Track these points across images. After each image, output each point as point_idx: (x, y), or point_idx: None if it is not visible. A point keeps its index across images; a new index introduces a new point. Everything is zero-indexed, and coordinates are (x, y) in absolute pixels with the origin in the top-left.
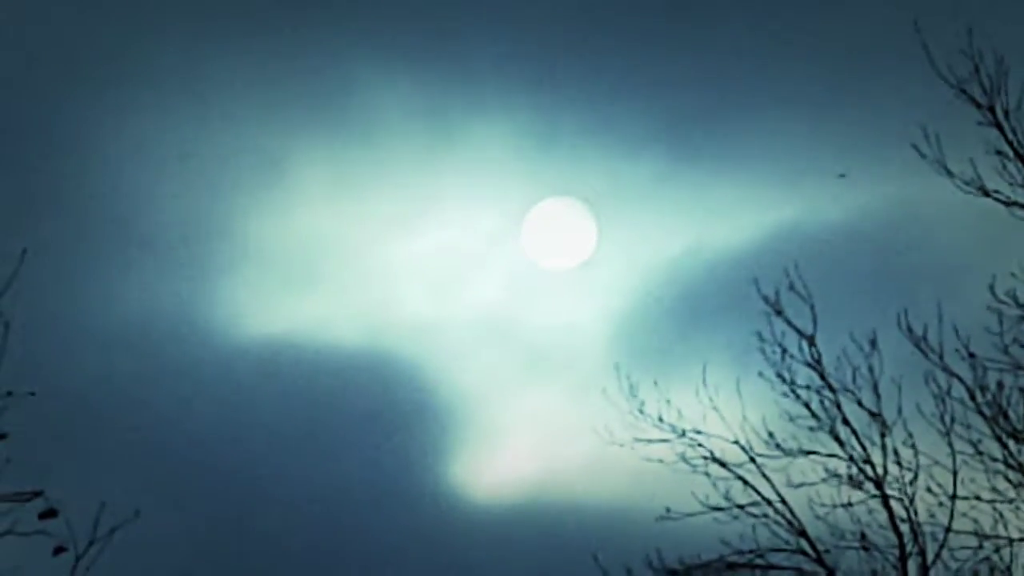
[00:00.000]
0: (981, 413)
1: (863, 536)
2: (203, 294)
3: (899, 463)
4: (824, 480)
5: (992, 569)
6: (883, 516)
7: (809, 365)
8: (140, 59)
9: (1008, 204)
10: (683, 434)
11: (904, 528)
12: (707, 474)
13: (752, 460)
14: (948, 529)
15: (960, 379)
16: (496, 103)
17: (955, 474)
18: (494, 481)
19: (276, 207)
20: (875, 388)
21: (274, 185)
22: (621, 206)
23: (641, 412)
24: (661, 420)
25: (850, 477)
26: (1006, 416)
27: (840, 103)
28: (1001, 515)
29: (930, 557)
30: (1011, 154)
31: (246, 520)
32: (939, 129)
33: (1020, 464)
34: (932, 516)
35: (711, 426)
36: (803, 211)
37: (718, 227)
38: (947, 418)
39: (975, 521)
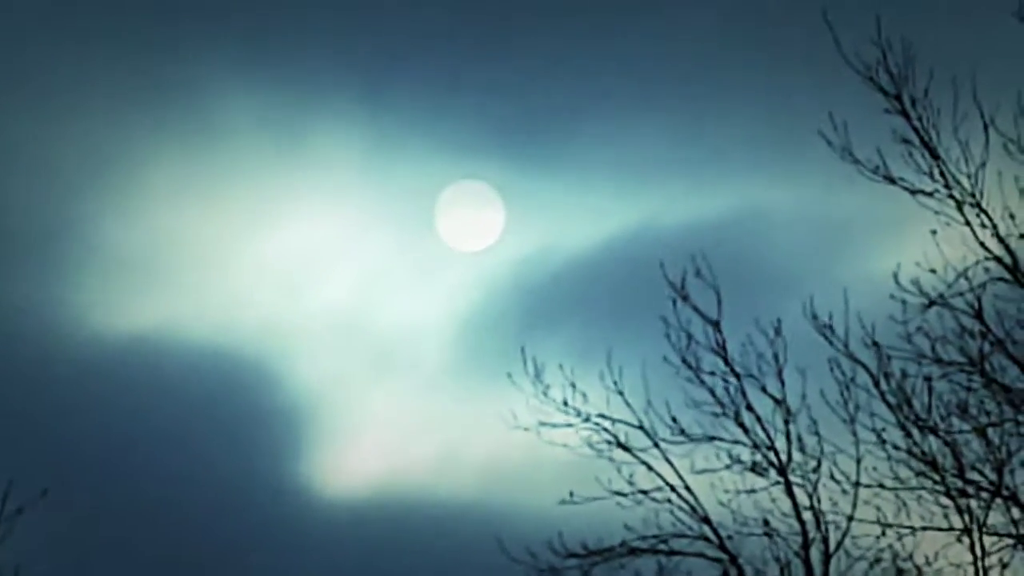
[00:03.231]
0: (885, 401)
1: (766, 523)
2: (54, 292)
3: (803, 450)
4: (728, 466)
5: (894, 557)
6: (786, 503)
7: (714, 351)
8: None
9: (913, 192)
10: (587, 419)
11: (807, 515)
12: (611, 459)
13: (656, 445)
14: (851, 517)
15: (864, 367)
16: (336, 109)
17: (859, 462)
18: (345, 478)
19: (126, 208)
20: (779, 375)
21: (124, 186)
22: (462, 206)
23: (546, 396)
24: (566, 404)
25: (754, 464)
26: (910, 405)
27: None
28: (904, 503)
29: (832, 544)
30: (917, 141)
31: (86, 518)
32: (846, 117)
33: (923, 453)
34: (835, 504)
35: (615, 411)
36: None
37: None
38: (851, 406)
39: (878, 509)
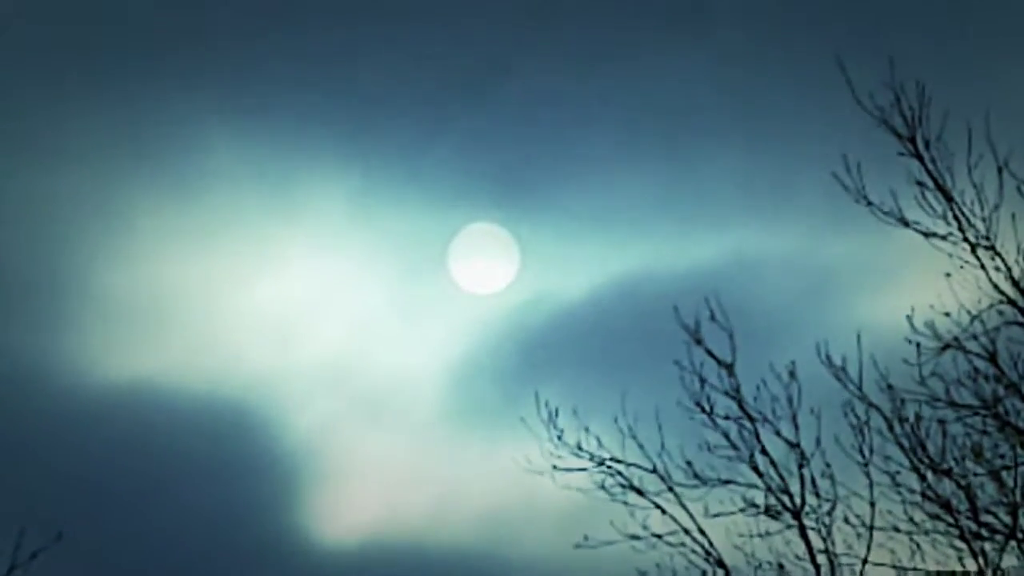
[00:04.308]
0: (899, 444)
1: (781, 567)
2: (45, 340)
3: (817, 494)
4: (742, 510)
5: None
6: (801, 547)
7: (728, 394)
8: None
9: (927, 235)
10: (602, 462)
11: (822, 559)
12: (625, 503)
13: (670, 489)
14: (865, 560)
15: (879, 410)
16: (325, 157)
17: (873, 505)
18: (340, 525)
19: (122, 258)
20: (794, 418)
21: (116, 236)
22: (449, 257)
23: (560, 440)
24: (580, 448)
25: (768, 507)
26: (924, 448)
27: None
28: (919, 547)
29: None
30: (931, 184)
31: (90, 569)
32: (860, 159)
33: (938, 496)
34: (850, 547)
35: (630, 455)
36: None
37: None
38: (865, 449)
39: (892, 552)
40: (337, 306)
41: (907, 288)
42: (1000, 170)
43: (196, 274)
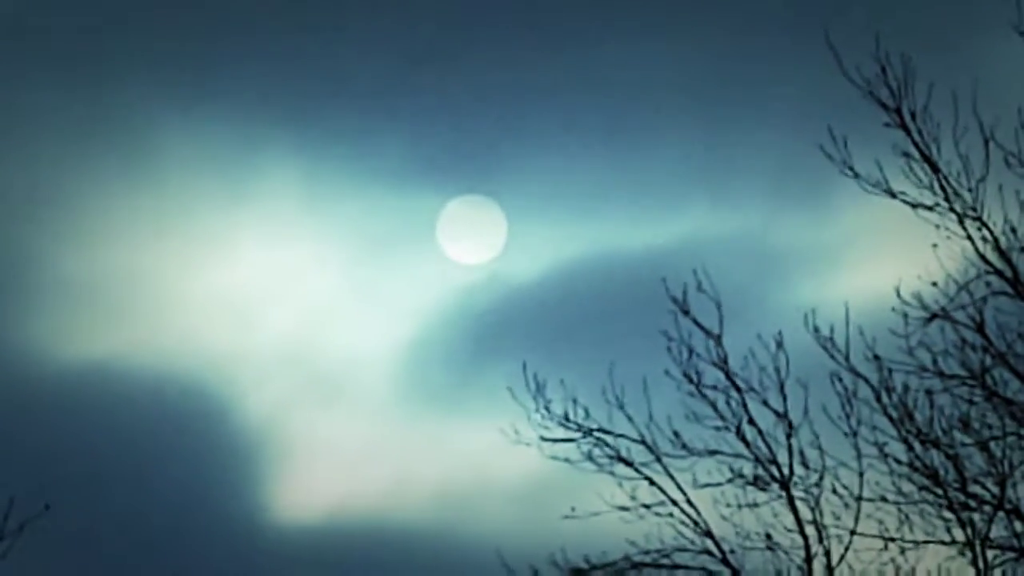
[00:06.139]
0: (887, 415)
1: (768, 537)
2: (4, 326)
3: (805, 464)
4: (730, 480)
5: (897, 571)
6: (789, 517)
7: (716, 365)
8: None
9: (914, 205)
10: (589, 433)
11: (810, 529)
12: (612, 473)
13: (658, 460)
14: (853, 531)
15: (866, 380)
16: (279, 145)
17: (861, 476)
18: (298, 505)
19: (77, 242)
20: (781, 388)
21: (75, 221)
22: (402, 241)
23: (548, 411)
24: (567, 419)
25: (756, 478)
26: (912, 418)
27: None
28: (906, 517)
29: (835, 558)
30: (917, 155)
31: (43, 548)
32: (846, 131)
33: (925, 467)
34: (837, 518)
35: (617, 425)
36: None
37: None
38: (853, 419)
39: (880, 523)
40: (292, 288)
41: (890, 260)
42: (987, 141)
43: (152, 257)
